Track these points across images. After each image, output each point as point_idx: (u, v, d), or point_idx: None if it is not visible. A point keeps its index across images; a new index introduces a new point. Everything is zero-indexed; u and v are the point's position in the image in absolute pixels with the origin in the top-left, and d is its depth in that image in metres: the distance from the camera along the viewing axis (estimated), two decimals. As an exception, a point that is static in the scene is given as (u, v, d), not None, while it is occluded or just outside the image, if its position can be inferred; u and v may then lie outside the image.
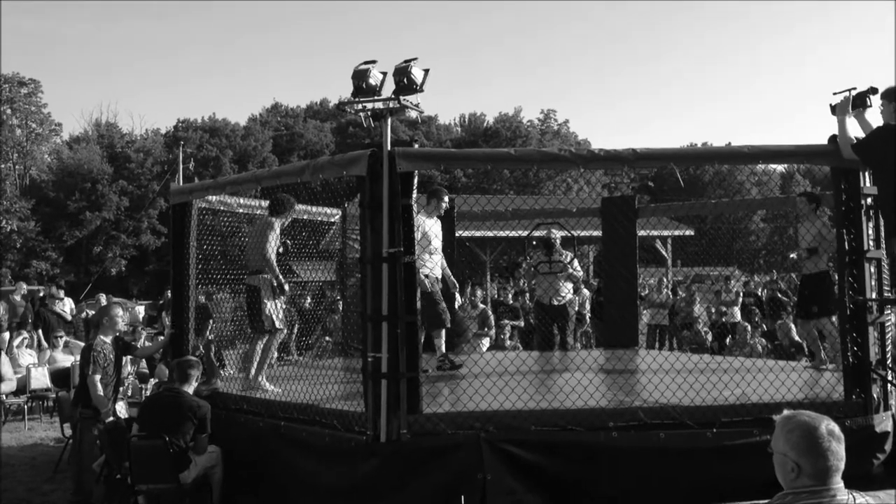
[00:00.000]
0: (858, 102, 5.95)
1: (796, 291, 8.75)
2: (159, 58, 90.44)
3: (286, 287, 7.42)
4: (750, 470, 5.12)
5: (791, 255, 8.17)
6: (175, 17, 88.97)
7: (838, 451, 2.74)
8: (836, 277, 6.46)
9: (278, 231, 7.48)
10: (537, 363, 8.98)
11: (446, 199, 8.48)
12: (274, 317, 7.36)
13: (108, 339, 7.46)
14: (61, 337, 14.04)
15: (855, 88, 6.00)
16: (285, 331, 7.66)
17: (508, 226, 8.22)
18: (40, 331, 15.35)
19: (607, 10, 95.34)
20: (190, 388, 6.42)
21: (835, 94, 6.05)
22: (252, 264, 7.48)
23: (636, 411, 5.78)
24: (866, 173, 6.08)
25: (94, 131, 52.87)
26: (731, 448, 5.57)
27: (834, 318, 7.60)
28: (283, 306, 7.61)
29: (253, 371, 7.40)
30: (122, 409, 7.87)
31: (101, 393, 7.11)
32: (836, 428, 2.78)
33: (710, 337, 13.62)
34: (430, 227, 8.12)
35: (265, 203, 8.40)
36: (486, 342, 12.24)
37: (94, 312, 7.75)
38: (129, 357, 10.89)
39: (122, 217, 45.73)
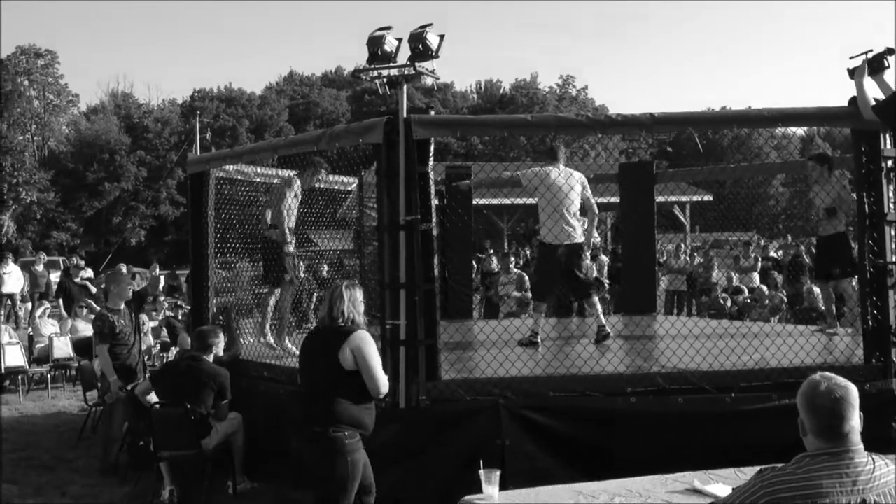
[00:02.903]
0: (876, 65, 5.87)
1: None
2: (175, 28, 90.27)
3: (290, 248, 7.43)
4: (769, 434, 5.15)
5: (815, 211, 8.07)
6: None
7: (837, 410, 2.74)
8: (856, 240, 6.42)
9: (296, 188, 7.49)
10: (555, 329, 8.99)
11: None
12: (289, 268, 7.41)
13: (120, 307, 7.47)
14: (83, 307, 14.18)
15: (871, 51, 5.92)
16: (294, 286, 7.66)
17: (525, 192, 8.20)
18: (62, 301, 15.50)
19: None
20: (210, 357, 6.47)
21: (851, 58, 5.99)
22: (270, 220, 7.50)
23: (654, 377, 5.80)
24: (887, 135, 6.02)
25: (111, 102, 52.92)
26: (750, 412, 5.59)
27: (854, 280, 7.57)
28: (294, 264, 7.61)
29: (269, 332, 7.49)
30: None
31: (109, 362, 7.14)
32: (840, 389, 2.77)
33: (728, 302, 13.58)
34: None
35: (283, 172, 8.42)
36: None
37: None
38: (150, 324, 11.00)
39: (141, 187, 45.85)
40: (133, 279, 16.94)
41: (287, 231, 7.36)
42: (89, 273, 17.88)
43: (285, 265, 7.39)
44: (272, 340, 7.51)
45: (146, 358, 9.09)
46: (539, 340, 7.42)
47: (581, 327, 9.02)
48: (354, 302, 4.51)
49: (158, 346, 11.98)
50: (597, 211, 7.79)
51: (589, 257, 9.64)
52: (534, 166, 7.64)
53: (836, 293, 8.08)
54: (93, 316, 9.82)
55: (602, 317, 7.57)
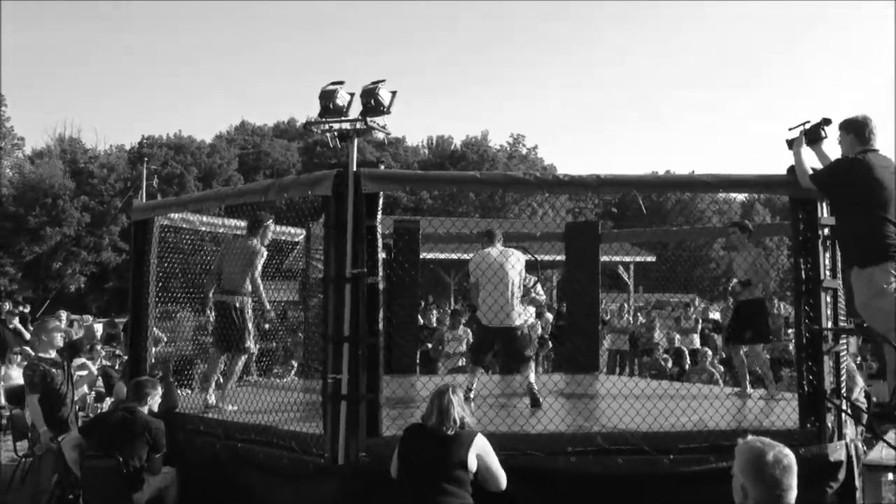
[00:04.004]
0: (813, 135, 6.05)
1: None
2: (125, 74, 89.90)
3: (272, 314, 7.72)
4: (707, 496, 5.15)
5: (731, 284, 8.39)
6: (142, 33, 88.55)
7: (783, 480, 2.78)
8: (777, 305, 6.56)
9: (265, 255, 7.61)
10: (498, 386, 8.98)
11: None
12: (248, 334, 7.45)
13: (51, 356, 7.27)
14: (17, 353, 13.76)
15: (809, 122, 6.11)
16: (249, 353, 7.63)
17: (473, 248, 8.29)
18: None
19: (577, 38, 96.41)
20: (145, 408, 6.32)
21: (790, 129, 6.16)
22: (228, 284, 7.51)
23: (595, 437, 5.80)
24: (824, 204, 6.18)
25: (56, 146, 52.22)
26: (689, 474, 5.61)
27: (762, 347, 8.25)
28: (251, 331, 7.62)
29: (212, 390, 7.42)
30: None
31: (39, 413, 6.92)
32: (785, 458, 2.82)
33: (669, 363, 13.73)
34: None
35: (229, 221, 8.38)
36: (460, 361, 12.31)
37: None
38: (84, 374, 10.73)
39: (83, 233, 45.12)
40: (71, 326, 16.56)
41: (264, 300, 7.54)
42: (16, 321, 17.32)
43: (245, 331, 7.41)
44: (212, 399, 7.41)
45: (79, 409, 8.85)
46: (471, 396, 7.47)
47: (523, 384, 9.01)
48: (461, 405, 4.78)
49: (93, 396, 11.66)
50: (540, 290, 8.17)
51: (531, 324, 9.77)
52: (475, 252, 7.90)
53: (750, 358, 8.31)
54: (25, 364, 9.57)
55: (534, 378, 7.60)
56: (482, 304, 7.45)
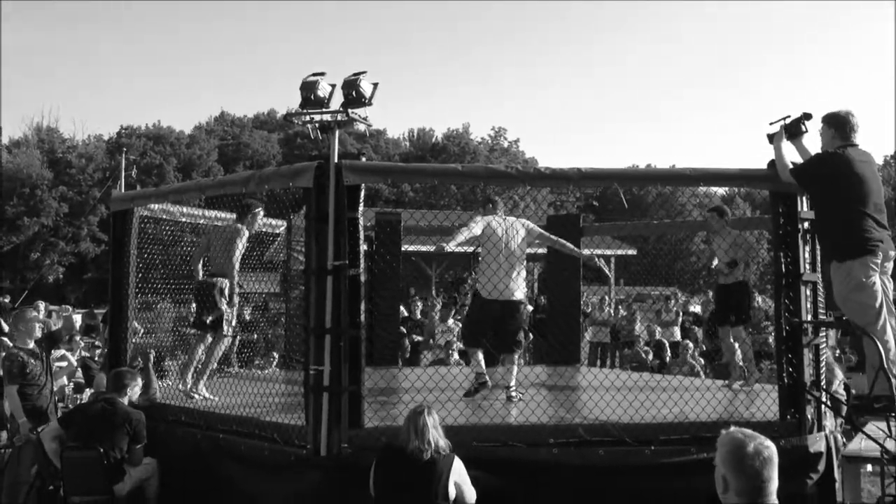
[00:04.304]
0: (794, 130, 6.09)
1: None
2: (104, 63, 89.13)
3: (236, 299, 7.45)
4: (688, 487, 5.20)
5: (713, 266, 8.41)
6: (120, 22, 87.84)
7: (763, 472, 2.80)
8: (772, 297, 6.60)
9: (245, 238, 7.59)
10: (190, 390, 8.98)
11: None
12: (225, 319, 7.41)
13: (29, 347, 7.24)
14: (-5, 345, 13.65)
15: (790, 116, 6.15)
16: (229, 338, 7.59)
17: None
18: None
19: (559, 31, 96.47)
20: (125, 399, 6.29)
21: (771, 123, 6.20)
22: (214, 266, 7.58)
23: (576, 428, 5.83)
24: (804, 198, 6.22)
25: (34, 136, 51.75)
26: (670, 465, 5.65)
27: (742, 329, 8.21)
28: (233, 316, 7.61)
29: (189, 378, 7.41)
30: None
31: (18, 403, 6.89)
32: (765, 449, 2.84)
33: (650, 355, 13.80)
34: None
35: (209, 212, 8.33)
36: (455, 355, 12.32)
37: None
38: (64, 365, 10.66)
39: (62, 223, 44.79)
40: (49, 317, 16.42)
41: (235, 283, 7.48)
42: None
43: (223, 315, 7.40)
44: (189, 386, 7.38)
45: (58, 399, 8.79)
46: (487, 380, 7.08)
47: (506, 377, 9.02)
48: (436, 427, 4.79)
49: (72, 387, 11.58)
50: (558, 239, 7.55)
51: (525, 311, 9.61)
52: (476, 216, 7.44)
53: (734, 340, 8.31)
54: (3, 354, 9.50)
55: (514, 378, 7.33)
56: (482, 276, 7.08)
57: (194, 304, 7.72)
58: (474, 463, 5.46)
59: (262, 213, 7.88)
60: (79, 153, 49.28)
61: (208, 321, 7.39)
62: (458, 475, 4.76)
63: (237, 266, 7.51)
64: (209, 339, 7.50)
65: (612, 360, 15.82)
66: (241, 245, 7.51)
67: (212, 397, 7.19)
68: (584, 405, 6.59)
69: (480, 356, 7.29)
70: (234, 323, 7.54)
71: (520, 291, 7.16)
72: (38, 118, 74.53)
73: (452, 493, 4.67)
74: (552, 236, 7.47)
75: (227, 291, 7.49)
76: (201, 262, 7.76)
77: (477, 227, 7.04)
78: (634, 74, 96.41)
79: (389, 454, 4.88)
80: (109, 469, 5.91)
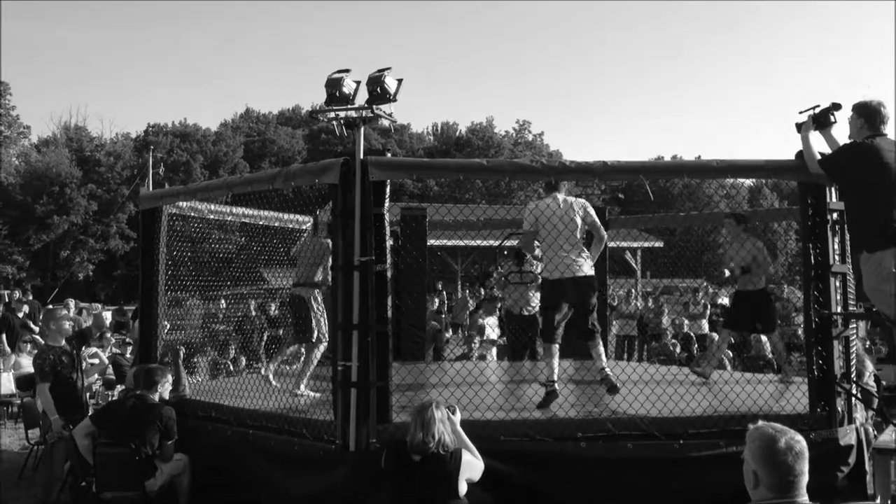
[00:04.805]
0: (822, 120, 6.03)
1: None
2: (131, 62, 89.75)
3: (322, 307, 7.90)
4: (716, 481, 5.19)
5: (724, 270, 8.40)
6: (146, 21, 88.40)
7: (795, 467, 2.78)
8: (800, 290, 6.55)
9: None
10: (507, 374, 9.00)
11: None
12: (323, 328, 7.73)
13: (60, 345, 7.32)
14: (27, 342, 13.84)
15: (819, 106, 6.08)
16: (325, 343, 7.80)
17: (480, 235, 8.27)
18: (4, 336, 15.10)
19: (582, 23, 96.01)
20: (155, 395, 6.36)
21: (800, 112, 6.14)
22: (301, 278, 7.90)
23: (605, 422, 5.82)
24: (832, 189, 6.17)
25: (63, 134, 52.21)
26: (698, 459, 5.63)
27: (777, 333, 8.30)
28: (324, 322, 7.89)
29: (271, 367, 8.01)
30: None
31: (50, 401, 6.98)
32: (797, 444, 2.82)
33: (678, 348, 13.73)
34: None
35: (237, 210, 8.41)
36: (493, 351, 12.33)
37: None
38: (95, 363, 10.79)
39: (91, 221, 45.19)
40: (80, 315, 16.60)
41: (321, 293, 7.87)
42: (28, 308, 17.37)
43: (313, 322, 7.73)
44: (302, 389, 7.61)
45: (89, 396, 8.90)
46: (556, 388, 6.64)
47: (533, 371, 9.03)
48: (444, 422, 4.70)
49: (102, 385, 11.71)
50: (604, 235, 7.07)
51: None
52: (529, 203, 7.23)
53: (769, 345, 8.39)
54: (36, 351, 9.64)
55: (605, 361, 6.90)
56: (544, 258, 6.84)
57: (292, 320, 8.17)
58: (502, 457, 5.49)
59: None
60: (107, 151, 49.64)
61: (306, 331, 7.76)
62: (469, 469, 4.68)
63: (327, 277, 7.78)
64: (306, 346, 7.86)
65: (640, 353, 15.77)
66: (329, 259, 7.72)
67: (316, 395, 7.41)
68: (612, 399, 6.57)
69: (556, 356, 6.83)
70: (325, 329, 7.71)
71: (587, 267, 6.75)
72: (66, 117, 75.42)
73: (463, 489, 4.62)
74: (600, 232, 6.99)
75: (317, 301, 7.83)
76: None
77: (527, 223, 6.93)
78: (662, 65, 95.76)
79: (394, 448, 4.83)
80: (141, 465, 5.98)
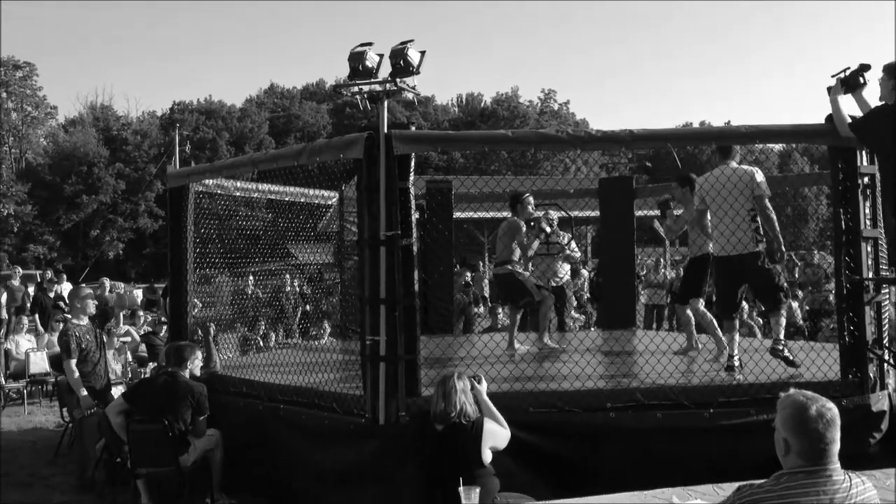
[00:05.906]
0: (852, 82, 5.91)
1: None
2: (154, 40, 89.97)
3: (527, 273, 8.63)
4: (747, 449, 5.17)
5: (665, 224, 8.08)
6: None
7: (826, 434, 2.76)
8: (816, 253, 6.44)
9: (524, 230, 8.49)
10: (535, 345, 8.99)
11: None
12: (535, 286, 8.37)
13: (83, 322, 7.46)
14: (59, 321, 14.04)
15: (849, 68, 5.97)
16: (551, 297, 8.70)
17: (506, 207, 8.28)
18: (37, 315, 15.33)
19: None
20: (186, 372, 6.41)
21: (832, 76, 6.02)
22: (501, 257, 8.45)
23: (634, 392, 5.81)
24: (863, 152, 6.07)
25: (89, 114, 52.63)
26: (729, 427, 5.60)
27: (700, 304, 7.51)
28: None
29: (546, 337, 8.66)
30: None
31: (77, 377, 7.12)
32: (828, 411, 2.80)
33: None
34: None
35: (262, 186, 8.44)
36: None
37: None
38: (128, 340, 10.93)
39: (119, 200, 45.63)
40: (111, 293, 16.80)
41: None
42: (65, 286, 17.54)
43: (528, 292, 8.30)
44: (548, 341, 8.60)
45: (121, 374, 9.04)
46: (736, 364, 6.52)
47: (561, 342, 9.03)
48: (465, 392, 4.67)
49: (135, 362, 11.86)
50: (767, 205, 6.53)
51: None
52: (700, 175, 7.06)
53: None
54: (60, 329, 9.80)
55: (782, 331, 6.60)
56: (714, 232, 6.63)
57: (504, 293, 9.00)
58: (532, 428, 5.50)
59: (530, 198, 8.61)
60: (133, 130, 50.04)
61: (521, 302, 8.51)
62: (492, 438, 4.65)
63: (526, 254, 8.60)
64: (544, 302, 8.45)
65: (669, 322, 15.68)
66: (520, 237, 8.35)
67: (557, 346, 8.51)
68: (641, 369, 6.56)
69: (735, 331, 6.69)
70: (534, 287, 8.37)
71: (753, 243, 6.47)
72: (93, 96, 75.89)
73: (488, 457, 4.59)
74: (767, 210, 6.51)
75: (518, 272, 8.36)
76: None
77: (697, 199, 6.94)
78: (688, 28, 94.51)
79: (420, 420, 4.89)
80: (174, 441, 6.04)
